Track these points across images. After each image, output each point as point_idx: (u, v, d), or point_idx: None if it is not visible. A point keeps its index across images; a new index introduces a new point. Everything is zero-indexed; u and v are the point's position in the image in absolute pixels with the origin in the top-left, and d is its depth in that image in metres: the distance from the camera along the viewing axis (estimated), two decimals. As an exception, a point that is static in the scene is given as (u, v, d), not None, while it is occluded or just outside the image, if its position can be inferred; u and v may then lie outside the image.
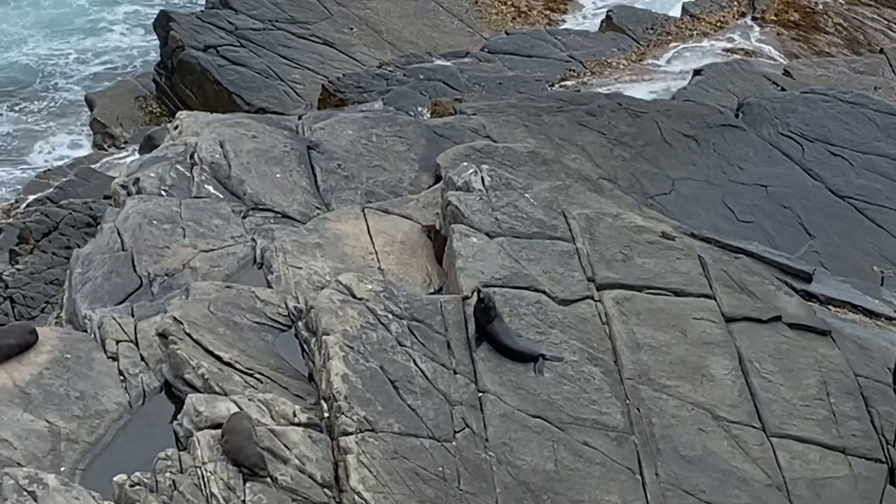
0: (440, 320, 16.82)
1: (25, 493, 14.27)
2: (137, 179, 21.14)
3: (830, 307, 19.88)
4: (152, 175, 21.17)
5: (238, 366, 16.47)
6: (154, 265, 19.26)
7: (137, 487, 14.56)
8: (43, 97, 40.28)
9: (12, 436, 15.87)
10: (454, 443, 15.55)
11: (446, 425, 15.67)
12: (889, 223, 24.38)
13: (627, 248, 18.45)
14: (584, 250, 18.25)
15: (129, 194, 20.98)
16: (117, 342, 17.29)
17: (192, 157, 21.56)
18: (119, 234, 19.87)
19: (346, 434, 15.31)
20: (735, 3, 36.22)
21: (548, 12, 38.80)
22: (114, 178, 23.99)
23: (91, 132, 36.12)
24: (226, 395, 15.91)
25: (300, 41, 35.81)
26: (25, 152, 37.13)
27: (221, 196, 20.94)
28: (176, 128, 23.04)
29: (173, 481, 14.68)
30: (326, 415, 15.73)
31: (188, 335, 16.73)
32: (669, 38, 34.73)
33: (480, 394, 16.13)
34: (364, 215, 19.79)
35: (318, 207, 21.04)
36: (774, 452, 16.35)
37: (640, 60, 33.25)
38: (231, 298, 17.62)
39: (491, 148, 21.47)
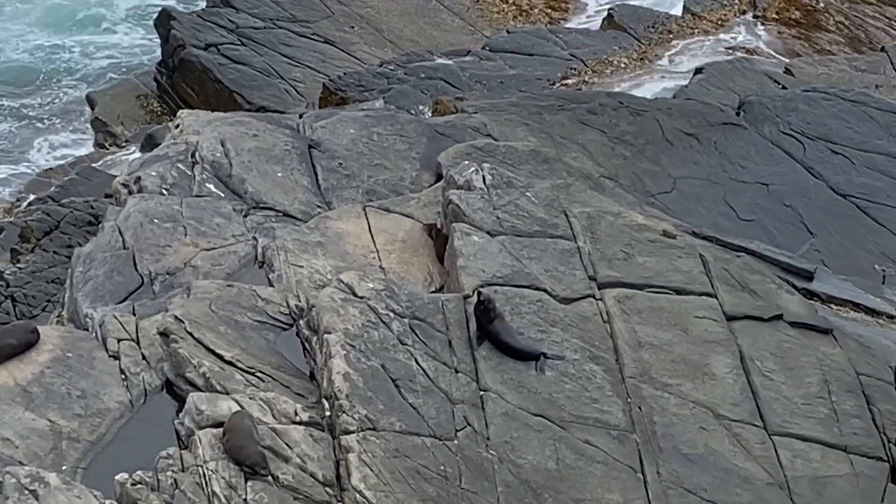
0: (441, 319, 16.82)
1: (27, 492, 14.27)
2: (139, 178, 21.14)
3: (832, 306, 19.88)
4: (153, 174, 21.17)
5: (239, 364, 16.46)
6: (155, 264, 19.26)
7: (139, 486, 14.56)
8: (46, 94, 40.32)
9: (14, 434, 15.87)
10: (455, 441, 15.54)
11: (448, 424, 15.67)
12: (890, 221, 24.38)
13: (629, 246, 18.44)
14: (585, 249, 18.24)
15: (130, 193, 20.98)
16: (118, 341, 17.29)
17: (193, 155, 21.57)
18: (120, 232, 19.87)
19: (348, 433, 15.30)
20: (736, 1, 36.21)
21: (549, 10, 38.80)
22: (115, 176, 23.99)
23: (92, 131, 36.14)
24: (227, 393, 15.91)
25: (301, 40, 35.82)
26: (28, 149, 37.17)
27: (223, 195, 20.94)
28: (177, 126, 23.04)
29: (175, 480, 14.68)
30: (328, 413, 15.72)
31: (189, 334, 16.73)
32: (671, 36, 34.73)
33: (482, 392, 16.13)
34: (365, 214, 19.78)
35: (319, 206, 21.04)
36: (776, 451, 16.35)
37: (642, 59, 33.25)
38: (232, 297, 17.62)
39: (492, 146, 21.47)
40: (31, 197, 30.98)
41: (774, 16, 35.42)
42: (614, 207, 19.56)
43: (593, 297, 17.61)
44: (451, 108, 26.11)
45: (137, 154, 29.67)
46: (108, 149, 34.45)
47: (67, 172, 32.31)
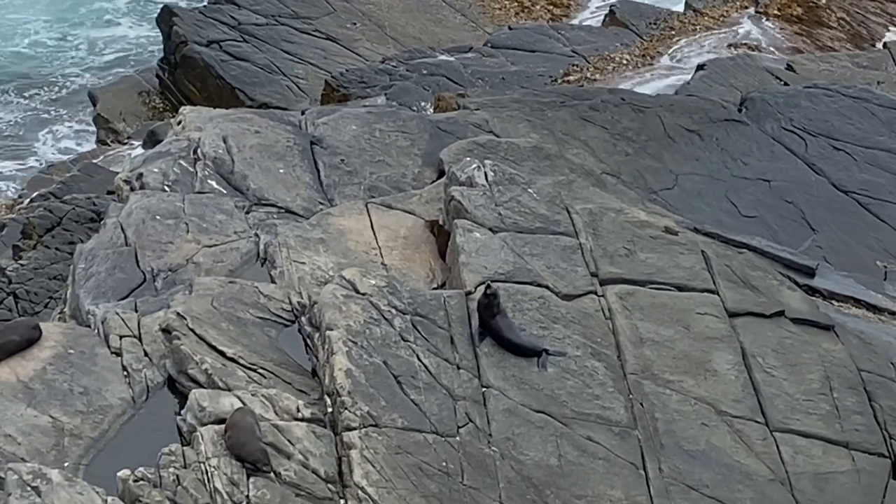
0: (443, 315, 16.83)
1: (29, 489, 14.28)
2: (141, 175, 21.16)
3: (833, 302, 19.88)
4: (155, 170, 21.18)
5: (241, 361, 16.47)
6: (157, 260, 19.27)
7: (141, 482, 14.57)
8: (50, 87, 40.38)
9: (16, 431, 15.89)
10: (458, 438, 15.55)
11: (450, 420, 15.68)
12: (892, 218, 24.35)
13: (630, 243, 18.45)
14: (587, 245, 18.25)
15: (132, 190, 20.99)
16: (121, 337, 17.30)
17: (195, 152, 21.58)
18: (122, 229, 19.88)
19: (350, 429, 15.31)
20: (738, -3, 36.24)
21: (551, 7, 38.79)
22: (117, 173, 23.99)
23: (94, 127, 36.16)
24: (229, 390, 15.92)
25: (303, 36, 35.82)
26: (32, 142, 37.22)
27: (224, 191, 20.96)
28: (179, 123, 23.05)
29: (177, 476, 14.69)
30: (330, 410, 15.73)
31: (191, 330, 16.74)
32: (672, 32, 34.71)
33: (484, 389, 16.14)
34: (367, 210, 19.79)
35: (321, 203, 21.05)
36: (777, 447, 16.35)
37: (644, 55, 33.24)
38: (234, 294, 17.63)
39: (494, 143, 21.47)
40: (34, 194, 30.98)
41: (776, 12, 35.40)
42: (616, 204, 19.57)
43: (595, 293, 17.62)
44: (453, 104, 26.10)
45: (139, 151, 29.67)
46: (110, 145, 34.46)
47: (69, 169, 32.33)
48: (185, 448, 15.09)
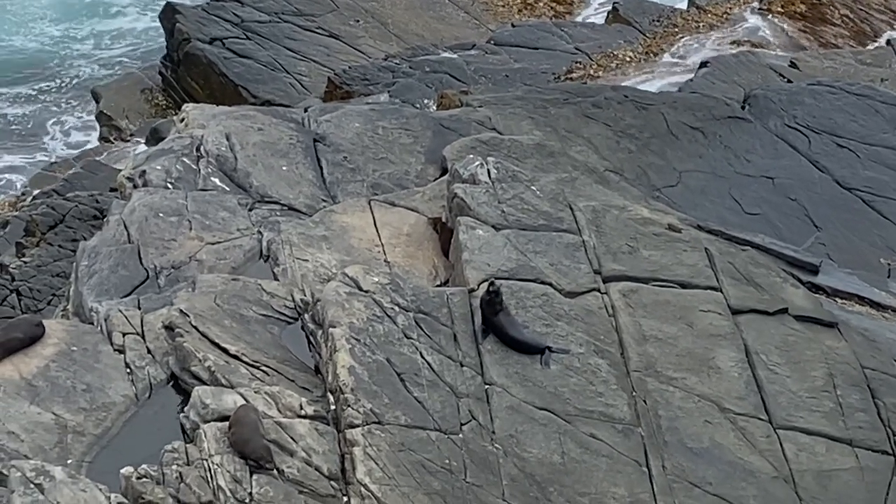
0: (446, 313, 16.82)
1: (32, 486, 14.29)
2: (144, 172, 21.16)
3: (837, 299, 19.87)
4: (158, 168, 21.18)
5: (244, 358, 16.47)
6: (160, 258, 19.27)
7: (144, 480, 14.57)
8: (56, 80, 40.42)
9: (19, 428, 15.89)
10: (461, 435, 15.55)
11: (453, 418, 15.67)
12: (896, 215, 24.38)
13: (634, 240, 18.44)
14: (590, 242, 18.24)
15: (135, 187, 20.99)
16: (124, 335, 17.31)
17: (198, 149, 21.58)
18: (125, 226, 19.88)
19: (353, 426, 15.31)
20: (741, -6, 36.22)
21: (554, 4, 38.78)
22: (120, 170, 23.99)
23: (97, 124, 36.20)
24: (232, 387, 15.92)
25: (306, 33, 35.81)
26: (41, 135, 37.29)
27: (228, 189, 20.95)
28: (182, 120, 23.05)
29: (180, 473, 14.69)
30: (333, 407, 15.73)
31: (194, 328, 16.74)
32: (676, 29, 34.70)
33: (487, 386, 16.13)
34: (370, 208, 19.78)
35: (324, 200, 21.04)
36: (781, 444, 16.34)
37: (647, 52, 33.23)
38: (237, 291, 17.63)
39: (497, 140, 21.46)
40: (37, 191, 31.00)
41: (780, 9, 35.39)
42: (619, 201, 19.55)
43: (598, 290, 17.61)
44: (456, 101, 26.09)
45: (142, 148, 29.65)
46: (112, 143, 34.47)
47: (72, 166, 32.35)
48: (188, 445, 15.09)
